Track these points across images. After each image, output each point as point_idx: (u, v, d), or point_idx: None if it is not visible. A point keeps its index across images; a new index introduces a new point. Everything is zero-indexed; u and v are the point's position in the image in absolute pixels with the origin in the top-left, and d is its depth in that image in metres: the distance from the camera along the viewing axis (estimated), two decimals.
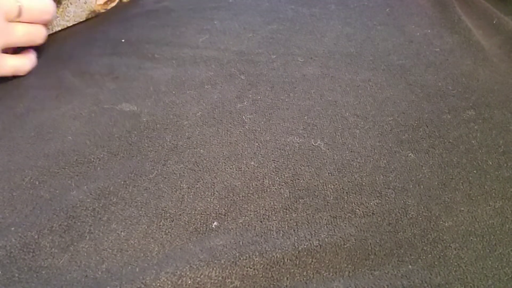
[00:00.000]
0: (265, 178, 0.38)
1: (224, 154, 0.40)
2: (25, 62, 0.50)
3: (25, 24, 0.47)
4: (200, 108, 0.44)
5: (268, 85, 0.47)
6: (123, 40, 0.54)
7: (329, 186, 0.38)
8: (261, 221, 0.35)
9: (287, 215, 0.35)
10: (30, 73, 0.49)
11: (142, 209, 0.35)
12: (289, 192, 0.37)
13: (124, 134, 0.41)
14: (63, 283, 0.30)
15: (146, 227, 0.34)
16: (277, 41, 0.53)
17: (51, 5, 0.50)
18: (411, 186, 0.38)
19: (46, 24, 0.51)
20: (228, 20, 0.57)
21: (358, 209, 0.36)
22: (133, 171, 0.38)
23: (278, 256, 0.32)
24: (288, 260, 0.32)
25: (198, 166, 0.38)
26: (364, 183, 0.38)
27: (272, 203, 0.36)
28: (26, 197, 0.36)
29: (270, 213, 0.36)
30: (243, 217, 0.35)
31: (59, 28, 0.58)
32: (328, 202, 0.36)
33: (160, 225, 0.34)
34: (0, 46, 0.45)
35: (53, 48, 0.54)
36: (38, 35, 0.49)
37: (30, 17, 0.47)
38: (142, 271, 0.31)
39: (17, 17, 0.46)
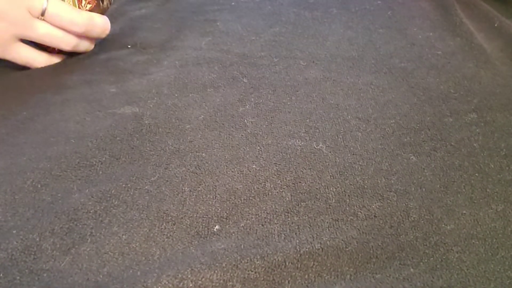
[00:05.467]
0: (267, 181, 0.38)
1: (226, 157, 0.40)
2: (39, 58, 0.51)
3: (49, 25, 0.49)
4: (202, 111, 0.44)
5: (270, 88, 0.47)
6: (129, 46, 0.55)
7: (331, 189, 0.37)
8: (262, 225, 0.35)
9: (289, 218, 0.35)
10: (34, 78, 0.49)
11: (144, 212, 0.35)
12: (291, 195, 0.37)
13: (126, 137, 0.41)
14: (64, 286, 0.30)
15: (147, 230, 0.34)
16: (280, 44, 0.53)
17: (87, 20, 0.50)
18: (413, 189, 0.38)
19: (88, 37, 0.52)
20: (231, 23, 0.58)
21: (360, 212, 0.36)
22: (135, 174, 0.38)
23: (280, 259, 0.32)
24: (290, 263, 0.32)
25: (200, 169, 0.39)
26: (366, 186, 0.38)
27: (273, 206, 0.36)
28: (28, 200, 0.36)
29: (271, 217, 0.35)
30: (245, 221, 0.35)
31: None
32: (330, 205, 0.36)
33: (161, 228, 0.34)
34: (17, 35, 0.48)
35: None
36: (63, 41, 0.50)
37: (54, 22, 0.48)
38: (144, 274, 0.31)
39: (41, 16, 0.47)
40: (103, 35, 0.53)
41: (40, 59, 0.52)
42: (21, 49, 0.50)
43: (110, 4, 0.54)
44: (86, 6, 0.51)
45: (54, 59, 0.53)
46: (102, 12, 0.53)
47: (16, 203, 0.35)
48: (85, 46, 0.53)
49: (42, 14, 0.47)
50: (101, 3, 0.53)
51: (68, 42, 0.50)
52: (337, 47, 0.53)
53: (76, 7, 0.50)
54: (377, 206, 0.36)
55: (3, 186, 0.37)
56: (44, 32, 0.48)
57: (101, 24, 0.51)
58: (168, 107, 0.44)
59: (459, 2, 0.61)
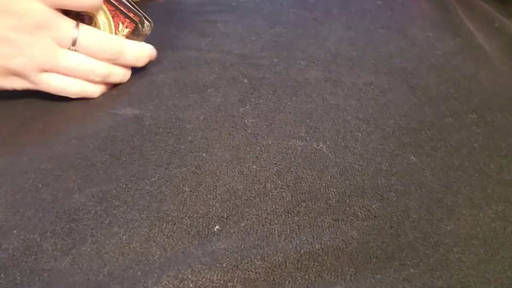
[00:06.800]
0: (267, 181, 0.38)
1: (226, 157, 0.40)
2: (74, 84, 0.46)
3: (78, 54, 0.44)
4: (202, 111, 0.44)
5: (271, 89, 0.47)
6: None
7: (331, 189, 0.38)
8: (263, 225, 0.35)
9: (289, 219, 0.35)
10: None
11: (144, 212, 0.35)
12: (291, 196, 0.37)
13: (127, 138, 0.41)
14: (65, 286, 0.31)
15: (148, 231, 0.34)
16: (280, 45, 0.53)
17: (119, 45, 0.46)
18: (413, 189, 0.38)
19: (121, 65, 0.48)
20: (232, 23, 0.58)
21: (360, 212, 0.36)
22: (135, 175, 0.38)
23: (280, 259, 0.32)
24: (290, 264, 0.32)
25: (200, 169, 0.39)
26: (366, 186, 0.38)
27: (274, 207, 0.36)
28: (29, 200, 0.36)
29: (272, 217, 0.36)
30: (245, 221, 0.35)
31: None
32: (330, 205, 0.36)
33: (162, 229, 0.34)
34: (40, 68, 0.43)
35: None
36: (93, 71, 0.45)
37: (85, 51, 0.44)
38: (144, 274, 0.31)
39: (72, 47, 0.44)
40: (140, 63, 0.48)
41: (76, 86, 0.46)
42: (50, 78, 0.44)
43: (151, 28, 0.48)
44: (124, 31, 0.47)
45: (90, 88, 0.47)
46: (142, 37, 0.49)
47: (17, 203, 0.35)
48: (119, 75, 0.48)
49: (73, 44, 0.43)
50: (140, 27, 0.48)
51: (98, 73, 0.46)
52: (337, 47, 0.53)
53: (112, 32, 0.47)
54: (377, 206, 0.36)
55: (4, 186, 0.37)
56: (72, 63, 0.44)
57: (134, 50, 0.47)
58: (168, 107, 0.44)
59: (459, 2, 0.61)
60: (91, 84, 0.47)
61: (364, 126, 0.43)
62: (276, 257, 0.32)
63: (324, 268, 0.33)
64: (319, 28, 0.56)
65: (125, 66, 0.48)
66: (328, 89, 0.47)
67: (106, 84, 0.48)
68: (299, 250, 0.33)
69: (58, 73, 0.44)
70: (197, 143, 0.41)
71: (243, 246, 0.33)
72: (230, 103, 0.45)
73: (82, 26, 0.44)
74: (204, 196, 0.37)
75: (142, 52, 0.48)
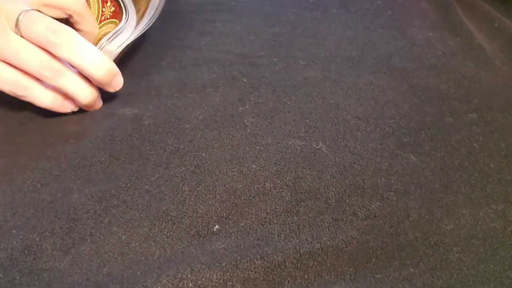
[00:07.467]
0: (267, 181, 0.38)
1: (226, 157, 0.40)
2: (17, 80, 0.41)
3: (25, 41, 0.40)
4: (202, 111, 0.44)
5: (270, 88, 0.47)
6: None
7: (331, 188, 0.37)
8: (262, 224, 0.35)
9: (289, 218, 0.35)
10: None
11: (144, 212, 0.35)
12: (291, 195, 0.37)
13: (126, 138, 0.41)
14: (64, 286, 0.30)
15: (147, 230, 0.34)
16: (279, 44, 0.53)
17: (69, 33, 0.40)
18: (413, 189, 0.38)
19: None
20: (231, 23, 0.57)
21: (360, 212, 0.36)
22: (135, 174, 0.38)
23: (280, 259, 0.32)
24: (290, 263, 0.32)
25: (199, 169, 0.38)
26: (366, 186, 0.38)
27: (273, 206, 0.36)
28: (28, 199, 0.36)
29: (271, 216, 0.35)
30: (245, 220, 0.35)
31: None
32: (330, 205, 0.36)
33: (161, 228, 0.34)
34: None
35: None
36: (43, 64, 0.40)
37: (29, 37, 0.40)
38: (143, 274, 0.31)
39: (15, 28, 0.39)
40: (98, 74, 0.42)
41: (20, 80, 0.41)
42: (2, 70, 0.40)
43: (123, 50, 0.46)
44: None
45: (38, 89, 0.42)
46: (110, 54, 0.46)
47: (16, 203, 0.35)
48: (73, 82, 0.42)
49: (17, 24, 0.39)
50: (105, 43, 0.46)
51: (47, 64, 0.40)
52: (337, 47, 0.53)
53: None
54: (377, 206, 0.36)
55: (3, 186, 0.37)
56: (19, 46, 0.39)
57: (92, 54, 0.41)
58: (167, 107, 0.44)
59: (459, 2, 0.61)
60: (40, 86, 0.42)
61: (363, 125, 0.43)
62: (275, 257, 0.32)
63: (324, 268, 0.33)
64: (319, 27, 0.56)
65: (85, 79, 0.43)
66: (328, 88, 0.47)
67: (63, 96, 0.43)
68: (298, 249, 0.33)
69: (8, 62, 0.40)
70: (196, 142, 0.41)
71: (242, 246, 0.33)
72: (229, 103, 0.45)
73: (32, 11, 0.40)
74: (204, 196, 0.36)
75: (103, 63, 0.42)
